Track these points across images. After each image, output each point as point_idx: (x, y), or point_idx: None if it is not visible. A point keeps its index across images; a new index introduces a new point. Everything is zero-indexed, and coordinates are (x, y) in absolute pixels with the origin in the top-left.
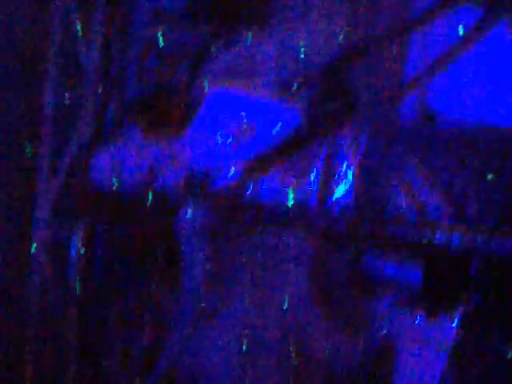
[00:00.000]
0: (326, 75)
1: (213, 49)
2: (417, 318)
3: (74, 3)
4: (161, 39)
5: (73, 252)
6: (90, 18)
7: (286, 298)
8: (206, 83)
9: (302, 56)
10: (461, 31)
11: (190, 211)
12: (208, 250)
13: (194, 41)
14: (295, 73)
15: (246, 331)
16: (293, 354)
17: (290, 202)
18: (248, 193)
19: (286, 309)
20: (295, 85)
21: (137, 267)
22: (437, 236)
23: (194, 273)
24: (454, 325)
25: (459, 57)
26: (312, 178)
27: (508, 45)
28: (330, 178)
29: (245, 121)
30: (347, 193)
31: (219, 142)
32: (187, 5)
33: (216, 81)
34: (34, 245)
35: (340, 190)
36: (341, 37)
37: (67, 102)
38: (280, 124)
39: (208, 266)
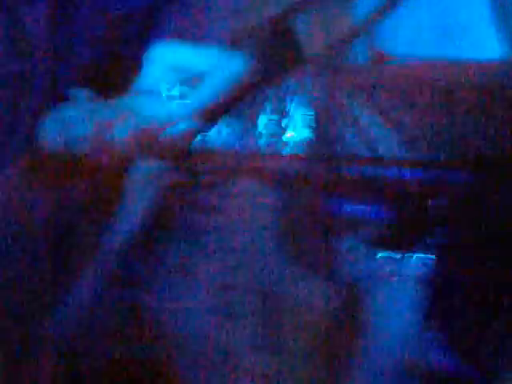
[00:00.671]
0: (274, 25)
1: (161, 9)
2: (385, 256)
3: None
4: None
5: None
6: None
7: (252, 246)
8: (152, 36)
9: (251, 8)
10: None
11: (141, 165)
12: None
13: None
14: (243, 23)
15: (219, 288)
16: (268, 309)
17: (242, 148)
18: (200, 141)
19: (252, 255)
20: (243, 34)
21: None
22: (391, 172)
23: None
24: (422, 258)
25: None
26: (262, 122)
27: None
28: (280, 121)
29: (192, 70)
30: (299, 134)
31: (168, 92)
32: None
33: (162, 35)
34: None
35: (292, 132)
36: None
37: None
38: (228, 71)
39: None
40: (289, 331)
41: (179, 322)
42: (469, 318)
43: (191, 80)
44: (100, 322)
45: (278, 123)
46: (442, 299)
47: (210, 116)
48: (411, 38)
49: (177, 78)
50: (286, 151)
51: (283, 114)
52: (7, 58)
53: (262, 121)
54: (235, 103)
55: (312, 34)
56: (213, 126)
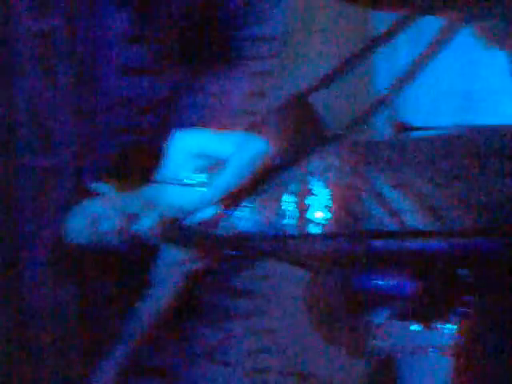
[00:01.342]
0: (295, 103)
1: (180, 93)
2: (414, 328)
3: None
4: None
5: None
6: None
7: (285, 327)
8: (173, 126)
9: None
10: (424, 41)
11: (168, 252)
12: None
13: (161, 88)
14: (263, 105)
15: (248, 362)
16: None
17: (268, 230)
18: (225, 225)
19: (285, 336)
20: (263, 116)
21: None
22: (418, 244)
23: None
24: (452, 329)
25: (426, 67)
26: (287, 203)
27: (471, 49)
28: (305, 201)
29: (214, 155)
30: (325, 212)
31: (191, 179)
32: (153, 56)
33: (182, 121)
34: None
35: (317, 211)
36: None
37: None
38: (248, 154)
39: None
40: None
41: None
42: None
43: (213, 166)
44: None
45: (302, 203)
46: (477, 367)
47: (234, 200)
48: (432, 107)
49: (199, 165)
50: (312, 230)
51: (307, 193)
52: (34, 154)
53: (286, 202)
54: (258, 186)
55: (333, 111)
56: (236, 209)
